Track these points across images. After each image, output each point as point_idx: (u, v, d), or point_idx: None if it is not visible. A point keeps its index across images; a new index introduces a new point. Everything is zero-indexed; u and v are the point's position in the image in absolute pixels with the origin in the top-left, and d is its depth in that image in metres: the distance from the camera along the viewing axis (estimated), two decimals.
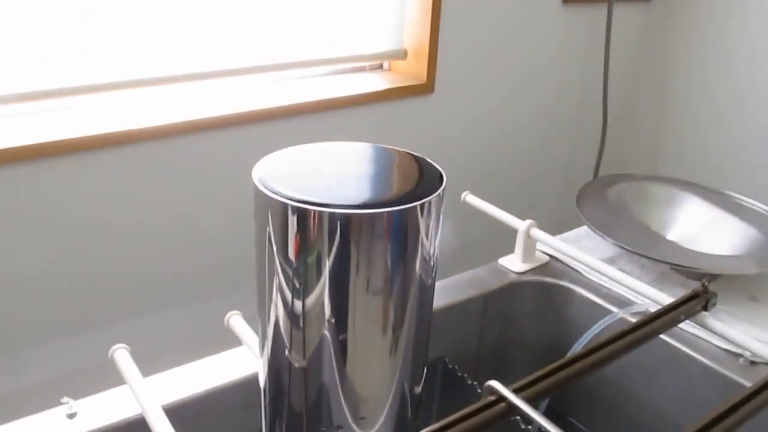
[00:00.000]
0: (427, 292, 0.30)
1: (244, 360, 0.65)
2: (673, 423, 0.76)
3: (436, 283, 0.33)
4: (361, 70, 1.44)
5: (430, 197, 0.26)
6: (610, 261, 0.93)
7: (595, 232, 0.91)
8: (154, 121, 1.11)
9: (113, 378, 0.63)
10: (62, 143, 1.03)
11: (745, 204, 1.03)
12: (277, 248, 0.27)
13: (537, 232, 0.86)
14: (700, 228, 0.99)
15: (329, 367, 0.29)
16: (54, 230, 1.10)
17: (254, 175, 0.27)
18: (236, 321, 0.58)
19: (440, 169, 0.28)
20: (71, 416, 0.59)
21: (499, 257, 0.92)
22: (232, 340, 0.67)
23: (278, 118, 1.24)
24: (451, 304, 0.81)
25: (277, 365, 0.31)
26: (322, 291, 0.27)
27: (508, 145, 1.69)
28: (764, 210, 1.00)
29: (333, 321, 0.27)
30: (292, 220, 0.25)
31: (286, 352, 0.30)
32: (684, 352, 0.74)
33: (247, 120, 1.19)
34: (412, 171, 0.28)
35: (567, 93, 1.78)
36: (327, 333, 0.28)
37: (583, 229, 1.02)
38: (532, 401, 0.51)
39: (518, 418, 0.72)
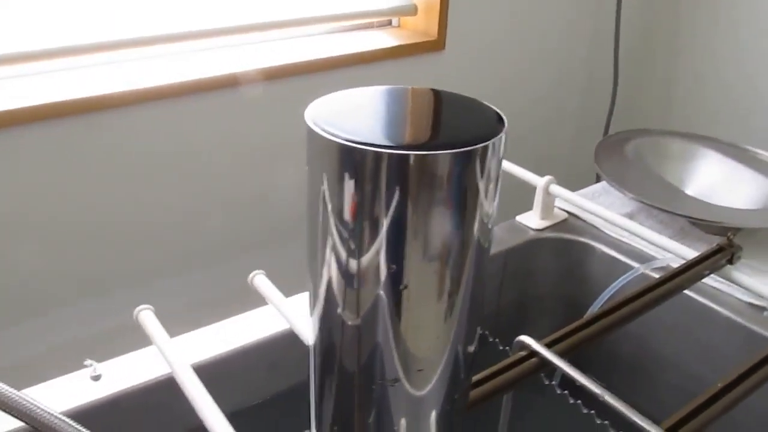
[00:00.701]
0: (485, 250, 0.29)
1: (269, 319, 0.65)
2: (697, 378, 0.76)
3: None
4: (369, 27, 1.41)
5: (494, 139, 0.24)
6: (629, 217, 0.92)
7: (614, 186, 0.90)
8: (173, 78, 1.09)
9: (132, 343, 0.62)
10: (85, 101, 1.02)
11: (762, 157, 1.01)
12: (330, 198, 0.26)
13: (556, 188, 0.85)
14: (719, 182, 0.98)
15: (383, 322, 0.28)
16: (84, 186, 1.09)
17: (308, 118, 0.26)
18: (260, 280, 0.58)
19: (498, 111, 0.27)
20: (96, 378, 0.59)
21: (516, 215, 0.91)
22: (253, 303, 0.67)
23: (283, 77, 1.22)
24: None
25: (329, 322, 0.30)
26: (378, 248, 0.26)
27: (520, 102, 1.67)
28: None
29: (392, 272, 0.26)
30: (350, 163, 0.24)
31: (339, 310, 0.29)
32: (707, 306, 0.73)
33: (250, 80, 1.17)
34: (470, 113, 0.27)
35: (578, 48, 1.75)
36: (382, 288, 0.27)
37: (600, 186, 1.01)
38: (561, 356, 0.51)
39: (542, 375, 0.72)
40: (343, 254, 0.27)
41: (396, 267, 0.26)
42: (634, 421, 0.43)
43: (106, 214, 1.12)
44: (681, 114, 1.95)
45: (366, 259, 0.26)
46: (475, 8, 1.44)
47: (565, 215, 0.91)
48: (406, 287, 0.26)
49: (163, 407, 0.58)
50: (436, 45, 1.37)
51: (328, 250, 0.27)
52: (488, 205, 0.27)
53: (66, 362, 0.62)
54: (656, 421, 0.43)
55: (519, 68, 1.62)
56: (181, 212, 1.20)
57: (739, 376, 0.47)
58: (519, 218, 0.90)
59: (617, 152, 1.00)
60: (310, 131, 0.25)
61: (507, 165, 0.88)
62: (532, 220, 0.89)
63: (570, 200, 0.84)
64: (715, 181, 0.98)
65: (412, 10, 1.39)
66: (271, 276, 0.59)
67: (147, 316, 0.54)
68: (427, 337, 0.29)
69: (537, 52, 1.65)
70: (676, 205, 0.87)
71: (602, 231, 0.87)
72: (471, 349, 0.33)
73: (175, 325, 0.64)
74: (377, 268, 0.26)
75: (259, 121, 1.23)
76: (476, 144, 0.24)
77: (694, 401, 0.44)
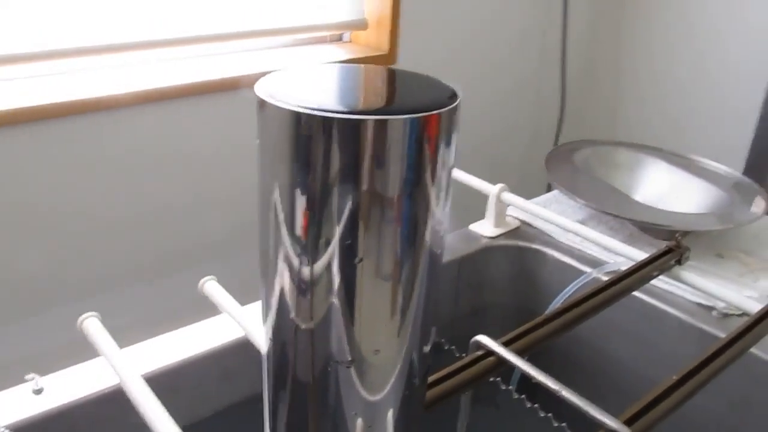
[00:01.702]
0: (441, 229, 0.29)
1: (223, 328, 0.63)
2: (650, 378, 0.77)
3: None
4: (321, 41, 1.42)
5: (447, 107, 0.24)
6: (580, 223, 0.93)
7: (566, 194, 0.91)
8: (110, 90, 1.07)
9: (79, 356, 0.60)
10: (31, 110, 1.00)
11: (706, 166, 1.04)
12: (281, 179, 0.25)
13: (509, 196, 0.86)
14: (665, 190, 1.01)
15: (336, 318, 0.28)
16: (18, 204, 1.05)
17: (258, 90, 0.25)
18: (212, 287, 0.56)
19: (451, 86, 0.27)
20: (38, 392, 0.57)
21: (468, 224, 0.91)
22: (203, 313, 0.65)
23: (235, 89, 1.21)
24: None
25: (281, 326, 0.29)
26: (332, 223, 0.25)
27: (470, 113, 1.69)
28: (724, 171, 1.02)
29: (347, 245, 0.26)
30: (301, 129, 0.24)
31: (292, 314, 0.28)
32: (658, 307, 0.75)
33: (199, 91, 1.16)
34: (422, 87, 0.27)
35: (528, 60, 1.78)
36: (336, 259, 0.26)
37: (551, 195, 1.03)
38: (519, 355, 0.50)
39: (498, 379, 0.72)
40: (296, 240, 0.26)
41: (351, 241, 0.26)
42: (593, 416, 0.43)
43: (49, 220, 1.09)
44: (625, 125, 2.01)
45: (318, 237, 0.26)
46: (426, 22, 1.46)
47: (518, 223, 0.91)
48: (361, 260, 0.26)
49: (113, 421, 0.56)
50: (388, 59, 1.38)
51: (281, 244, 0.27)
52: (444, 178, 0.26)
53: (7, 379, 0.59)
54: None
55: (470, 81, 1.64)
56: (130, 219, 1.17)
57: (693, 368, 0.48)
58: (472, 227, 0.90)
59: (567, 161, 1.02)
60: (260, 102, 0.24)
61: (460, 174, 0.88)
62: (485, 228, 0.89)
63: (523, 208, 0.85)
64: (662, 188, 1.01)
65: (363, 25, 1.39)
66: (227, 283, 0.57)
67: (92, 324, 0.52)
68: (383, 335, 0.29)
69: (488, 66, 1.68)
70: (626, 210, 0.88)
71: (554, 238, 0.88)
72: (426, 349, 0.33)
73: (125, 336, 0.62)
74: (331, 234, 0.26)
75: (207, 132, 1.21)
76: (431, 110, 0.24)
77: (651, 393, 0.45)
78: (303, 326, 0.30)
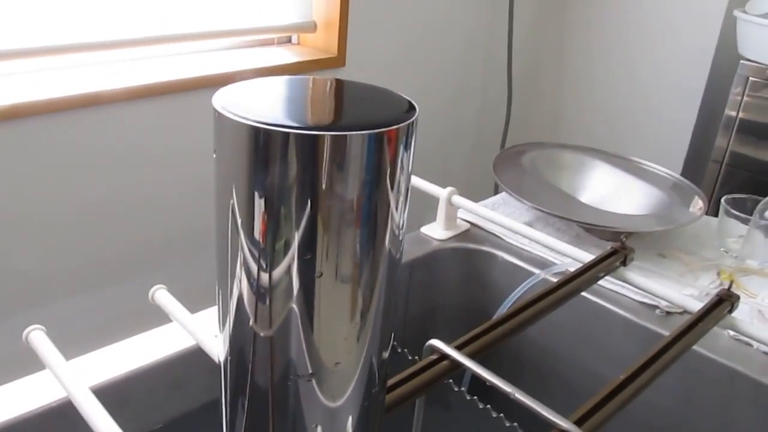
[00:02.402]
0: (400, 236, 0.29)
1: (170, 338, 0.62)
2: (598, 376, 0.79)
3: None
4: (269, 43, 1.41)
5: (403, 123, 0.24)
6: (528, 225, 0.95)
7: (513, 196, 0.93)
8: (50, 93, 1.04)
9: (27, 368, 0.58)
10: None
11: (647, 167, 1.08)
12: (238, 187, 0.25)
13: (458, 199, 0.87)
14: (609, 191, 1.03)
15: (295, 323, 0.28)
16: None
17: (215, 103, 0.25)
18: (162, 295, 0.55)
19: (409, 98, 0.27)
20: None
21: (419, 227, 0.92)
22: (155, 322, 0.64)
23: (180, 92, 1.19)
24: None
25: (239, 334, 0.29)
26: (291, 230, 0.25)
27: (420, 117, 1.69)
28: (664, 172, 1.06)
29: (307, 258, 0.26)
30: (260, 144, 0.24)
31: (250, 322, 0.28)
32: (604, 307, 0.77)
33: (150, 93, 1.13)
34: (380, 99, 0.27)
35: (474, 65, 1.81)
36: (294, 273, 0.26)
37: (499, 197, 1.04)
38: (472, 358, 0.51)
39: (450, 381, 0.73)
40: (254, 249, 0.26)
41: (310, 256, 0.26)
42: (544, 416, 0.44)
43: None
44: (568, 129, 2.06)
45: (276, 246, 0.26)
46: (374, 26, 1.46)
47: (468, 225, 0.93)
48: (321, 275, 0.26)
49: None
50: (337, 62, 1.38)
51: (239, 253, 0.27)
52: (403, 187, 0.27)
53: None
54: None
55: (419, 85, 1.65)
56: (74, 225, 1.14)
57: (639, 367, 0.49)
58: (423, 229, 0.91)
59: (514, 164, 1.03)
60: (219, 116, 0.24)
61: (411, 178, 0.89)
62: (436, 231, 0.90)
63: (472, 210, 0.86)
64: (606, 190, 1.03)
65: (312, 27, 1.39)
66: (176, 290, 0.56)
67: (38, 337, 0.51)
68: (342, 341, 0.29)
69: (436, 70, 1.69)
70: (572, 212, 0.90)
71: (503, 239, 0.90)
72: (386, 354, 0.33)
73: (74, 347, 0.61)
74: (290, 243, 0.26)
75: (158, 134, 1.19)
76: (389, 126, 0.24)
77: (600, 393, 0.46)
78: (262, 334, 0.30)
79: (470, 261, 0.89)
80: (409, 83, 1.62)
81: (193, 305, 0.58)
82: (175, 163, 1.22)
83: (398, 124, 0.24)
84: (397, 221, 0.28)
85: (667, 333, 0.57)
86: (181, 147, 1.22)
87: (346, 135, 0.23)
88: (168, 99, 1.17)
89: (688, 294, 0.79)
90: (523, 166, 1.03)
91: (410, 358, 0.76)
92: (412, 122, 0.25)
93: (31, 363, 0.54)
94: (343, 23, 1.36)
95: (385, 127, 0.24)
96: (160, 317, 0.59)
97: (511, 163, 1.04)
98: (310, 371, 0.29)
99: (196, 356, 0.61)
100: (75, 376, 0.48)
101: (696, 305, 0.62)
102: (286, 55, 1.35)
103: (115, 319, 1.06)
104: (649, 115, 1.88)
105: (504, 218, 0.83)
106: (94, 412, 0.45)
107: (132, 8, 1.17)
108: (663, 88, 1.83)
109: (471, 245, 0.89)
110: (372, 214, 0.26)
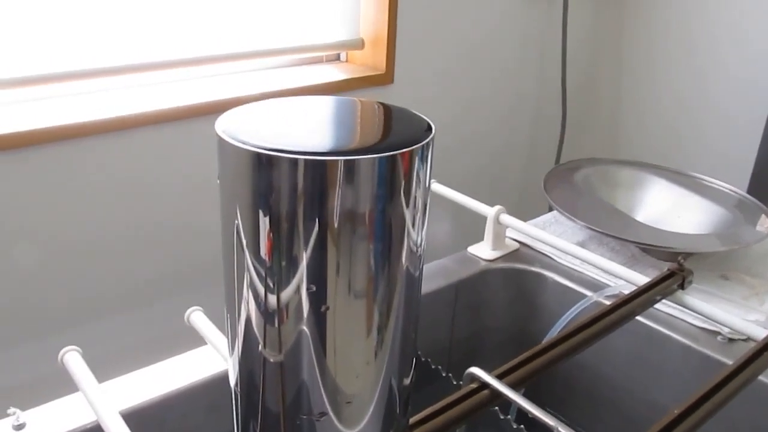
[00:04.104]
0: (417, 261, 0.27)
1: (206, 360, 0.61)
2: (655, 405, 0.75)
3: None
4: (318, 61, 1.41)
5: (418, 144, 0.22)
6: (580, 245, 0.91)
7: (565, 215, 0.89)
8: (100, 114, 1.05)
9: (64, 389, 0.58)
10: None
11: (709, 184, 1.02)
12: (243, 211, 0.24)
13: (507, 218, 0.84)
14: (667, 209, 0.98)
15: (307, 354, 0.26)
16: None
17: (218, 128, 0.23)
18: (197, 317, 0.55)
19: (427, 119, 0.25)
20: (18, 427, 0.55)
21: (467, 246, 0.89)
22: (190, 344, 0.63)
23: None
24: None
25: (249, 359, 0.27)
26: (297, 270, 0.24)
27: (470, 134, 1.67)
28: (728, 189, 1.00)
29: (313, 289, 0.24)
30: (264, 169, 0.22)
31: (259, 347, 0.26)
32: (661, 332, 0.72)
33: (196, 113, 1.14)
34: (397, 121, 0.25)
35: (527, 79, 1.77)
36: (304, 304, 0.24)
37: (550, 216, 1.01)
38: (514, 387, 0.48)
39: (497, 408, 0.70)
40: (261, 276, 0.25)
41: (316, 287, 0.24)
42: None
43: (30, 249, 1.07)
44: (626, 143, 1.99)
45: (284, 278, 0.24)
46: (423, 42, 1.45)
47: (517, 245, 0.89)
48: (328, 308, 0.24)
49: None
50: (385, 79, 1.37)
51: (245, 276, 0.25)
52: (419, 210, 0.25)
53: None
54: None
55: (469, 101, 1.63)
56: (112, 247, 1.15)
57: (695, 402, 0.46)
58: (470, 249, 0.88)
59: (567, 181, 1.00)
60: (222, 142, 0.23)
61: (457, 196, 0.87)
62: (483, 250, 0.87)
63: (521, 230, 0.83)
64: (664, 207, 0.99)
65: (360, 44, 1.38)
66: (213, 313, 0.55)
67: (73, 359, 0.50)
68: (355, 368, 0.27)
69: (486, 84, 1.66)
70: (627, 232, 0.86)
71: (554, 260, 0.86)
72: (406, 381, 0.30)
73: (109, 368, 0.60)
74: (297, 289, 0.24)
75: (196, 156, 1.20)
76: (402, 149, 0.22)
77: (655, 426, 0.42)
78: (271, 361, 0.28)
79: (519, 282, 0.86)
80: (458, 99, 1.60)
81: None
82: (213, 187, 1.23)
83: (412, 146, 0.22)
84: (415, 238, 0.26)
85: (730, 362, 0.53)
86: (216, 170, 1.22)
87: (354, 159, 0.21)
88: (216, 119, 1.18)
89: (753, 320, 0.74)
90: (575, 184, 0.99)
91: (455, 383, 0.73)
92: (428, 142, 0.23)
93: (66, 384, 0.54)
94: (391, 40, 1.35)
95: (398, 149, 0.22)
96: (194, 340, 0.58)
97: (563, 180, 1.00)
98: (326, 401, 0.27)
99: None
100: (105, 401, 0.47)
101: (761, 332, 0.58)
102: (334, 73, 1.34)
103: (149, 341, 1.06)
104: (713, 129, 1.81)
105: (554, 238, 0.80)
106: None
107: (183, 27, 1.19)
108: (730, 100, 1.76)
109: (520, 266, 0.86)
110: (385, 235, 0.24)
